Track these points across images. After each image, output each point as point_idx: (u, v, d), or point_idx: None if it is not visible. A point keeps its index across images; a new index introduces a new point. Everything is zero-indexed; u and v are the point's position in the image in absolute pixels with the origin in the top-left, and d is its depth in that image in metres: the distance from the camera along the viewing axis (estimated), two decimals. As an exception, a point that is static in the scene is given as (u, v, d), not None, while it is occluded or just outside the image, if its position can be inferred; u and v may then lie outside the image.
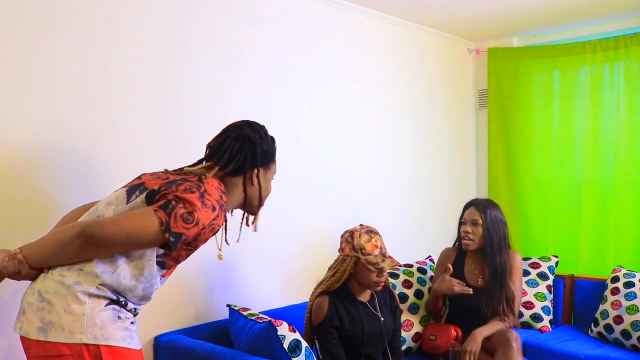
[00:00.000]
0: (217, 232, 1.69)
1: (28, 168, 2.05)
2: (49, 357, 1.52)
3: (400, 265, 2.38)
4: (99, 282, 1.56)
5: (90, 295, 1.55)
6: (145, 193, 1.62)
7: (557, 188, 3.92)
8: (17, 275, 1.59)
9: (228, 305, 2.49)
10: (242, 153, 1.77)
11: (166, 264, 1.69)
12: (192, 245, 1.67)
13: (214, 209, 1.62)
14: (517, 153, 4.04)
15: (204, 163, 1.79)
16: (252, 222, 1.92)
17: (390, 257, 2.37)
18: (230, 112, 2.66)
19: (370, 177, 3.46)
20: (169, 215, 1.54)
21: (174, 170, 1.77)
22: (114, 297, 1.59)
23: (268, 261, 2.88)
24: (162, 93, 2.44)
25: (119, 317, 1.59)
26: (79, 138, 2.18)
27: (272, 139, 1.88)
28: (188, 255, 1.73)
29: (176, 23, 2.48)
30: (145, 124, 2.39)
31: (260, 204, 1.85)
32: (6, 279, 1.61)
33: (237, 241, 1.93)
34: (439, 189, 3.96)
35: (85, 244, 1.51)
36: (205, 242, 1.70)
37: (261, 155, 1.80)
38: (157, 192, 1.61)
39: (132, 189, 1.67)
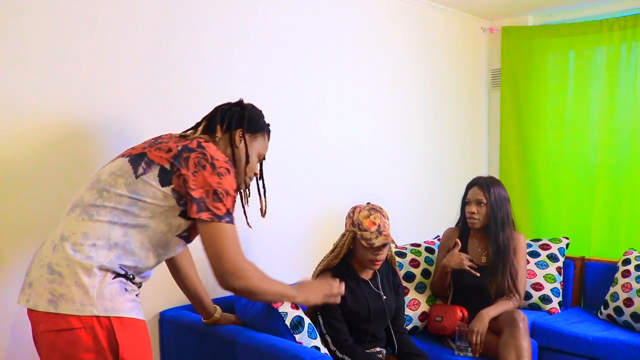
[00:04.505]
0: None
1: (27, 133, 2.05)
2: (60, 332, 1.53)
3: (394, 242, 2.34)
4: (112, 255, 1.58)
5: (101, 268, 1.57)
6: (156, 171, 1.63)
7: (570, 169, 3.87)
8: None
9: (234, 282, 2.49)
10: (231, 112, 1.86)
11: (191, 237, 1.76)
12: None
13: (228, 171, 1.67)
14: (530, 134, 3.99)
15: (199, 128, 1.85)
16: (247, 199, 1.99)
17: (385, 235, 2.35)
18: (232, 89, 2.65)
19: (378, 157, 3.44)
20: (213, 214, 1.61)
21: (170, 134, 1.80)
22: (122, 272, 1.62)
23: (275, 239, 2.88)
24: (166, 54, 2.42)
25: (126, 289, 1.62)
26: (85, 106, 2.18)
27: (261, 112, 1.96)
28: None
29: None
30: (148, 90, 2.38)
31: (244, 172, 1.88)
32: None
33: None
34: (448, 169, 3.92)
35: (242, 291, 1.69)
36: None
37: (248, 118, 1.87)
38: (172, 171, 1.63)
39: (135, 159, 1.68)
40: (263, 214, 1.98)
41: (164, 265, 2.10)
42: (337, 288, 1.99)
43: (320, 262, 2.52)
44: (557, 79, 3.90)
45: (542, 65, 3.95)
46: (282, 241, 2.92)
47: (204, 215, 1.61)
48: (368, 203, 2.49)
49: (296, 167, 2.97)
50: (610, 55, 3.68)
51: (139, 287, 1.72)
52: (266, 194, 2.02)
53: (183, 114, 2.43)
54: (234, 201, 1.69)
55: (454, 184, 3.82)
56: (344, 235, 2.47)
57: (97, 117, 2.22)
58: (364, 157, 3.35)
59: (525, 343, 2.57)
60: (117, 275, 1.60)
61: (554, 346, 3.03)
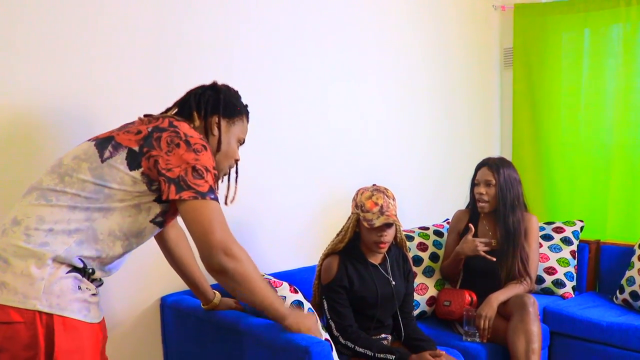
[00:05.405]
0: None
1: (23, 127, 2.00)
2: None
3: (396, 222, 2.27)
4: (72, 241, 1.46)
5: (55, 259, 1.45)
6: (123, 154, 1.52)
7: (585, 150, 3.75)
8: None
9: (236, 266, 2.45)
10: (205, 97, 1.73)
11: (165, 222, 1.64)
12: None
13: (205, 147, 1.56)
14: (544, 114, 3.87)
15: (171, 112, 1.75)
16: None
17: (387, 215, 2.28)
18: (235, 71, 2.59)
19: (387, 139, 3.36)
20: (195, 191, 1.50)
21: (140, 119, 1.68)
22: (80, 265, 1.49)
23: (279, 223, 2.83)
24: (161, 48, 2.36)
25: (79, 288, 1.49)
26: (76, 96, 2.13)
27: (237, 94, 1.82)
28: None
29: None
30: (143, 81, 2.31)
31: (223, 160, 1.76)
32: None
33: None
34: (459, 151, 3.83)
35: (226, 272, 1.55)
36: None
37: (224, 103, 1.74)
38: (141, 153, 1.52)
39: (102, 143, 1.56)
40: (228, 201, 1.83)
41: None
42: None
43: (326, 247, 2.47)
44: (571, 57, 3.78)
45: (556, 43, 3.82)
46: (287, 226, 2.87)
47: (185, 195, 1.49)
48: (373, 184, 2.43)
49: (302, 150, 2.91)
50: (628, 31, 3.54)
51: (99, 286, 1.60)
52: (237, 180, 1.87)
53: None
54: (215, 178, 1.58)
55: (466, 166, 3.72)
56: (349, 218, 2.41)
57: (88, 108, 2.16)
58: (373, 139, 3.27)
59: (535, 328, 2.50)
60: (73, 269, 1.48)
61: (567, 331, 2.95)
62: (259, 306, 1.69)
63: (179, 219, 1.75)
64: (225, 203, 1.80)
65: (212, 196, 1.53)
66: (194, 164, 1.51)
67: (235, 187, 1.85)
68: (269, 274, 2.49)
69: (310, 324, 1.85)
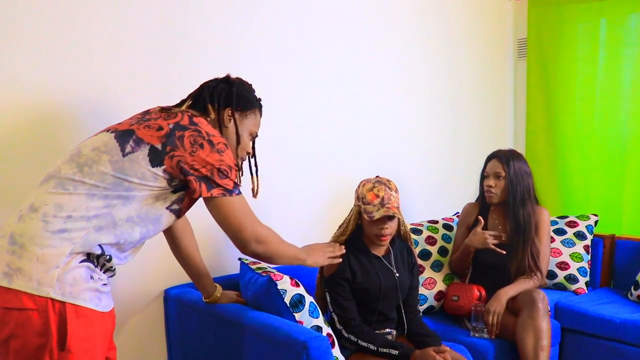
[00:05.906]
0: None
1: (28, 126, 1.99)
2: (9, 310, 1.42)
3: (396, 215, 2.22)
4: (91, 226, 1.47)
5: (72, 252, 1.45)
6: (145, 150, 1.53)
7: (600, 143, 3.67)
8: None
9: (239, 259, 2.43)
10: (218, 90, 1.77)
11: (182, 212, 1.67)
12: None
13: (226, 146, 1.62)
14: (558, 106, 3.80)
15: (183, 106, 1.74)
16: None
17: (387, 207, 2.23)
18: (240, 63, 2.56)
19: (395, 131, 3.31)
20: (223, 189, 1.59)
21: (159, 110, 1.69)
22: (98, 252, 1.50)
23: (285, 216, 2.80)
24: (166, 41, 2.33)
25: (91, 277, 1.50)
26: (85, 89, 2.11)
27: (251, 87, 1.85)
28: None
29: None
30: (146, 76, 2.29)
31: (235, 153, 1.79)
32: None
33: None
34: (470, 143, 3.77)
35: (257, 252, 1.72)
36: None
37: (237, 96, 1.77)
38: (164, 152, 1.54)
39: (122, 136, 1.56)
40: (255, 194, 1.90)
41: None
42: (338, 249, 2.08)
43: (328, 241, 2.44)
44: (587, 47, 3.70)
45: (572, 33, 3.74)
46: (293, 220, 2.84)
47: (215, 192, 1.59)
48: (376, 176, 2.39)
49: (308, 143, 2.87)
50: (646, 19, 3.46)
51: (111, 276, 1.60)
52: (258, 173, 1.92)
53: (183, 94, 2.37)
54: (237, 172, 1.69)
55: (478, 159, 3.67)
56: (351, 210, 2.38)
57: (88, 99, 2.13)
58: (381, 132, 3.22)
59: (545, 324, 2.45)
60: (86, 259, 1.49)
61: (579, 328, 2.89)
62: (288, 264, 1.93)
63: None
64: (254, 196, 1.91)
65: (237, 192, 1.64)
66: (218, 166, 1.57)
67: (258, 181, 1.92)
68: (273, 267, 2.47)
69: (321, 260, 2.03)
